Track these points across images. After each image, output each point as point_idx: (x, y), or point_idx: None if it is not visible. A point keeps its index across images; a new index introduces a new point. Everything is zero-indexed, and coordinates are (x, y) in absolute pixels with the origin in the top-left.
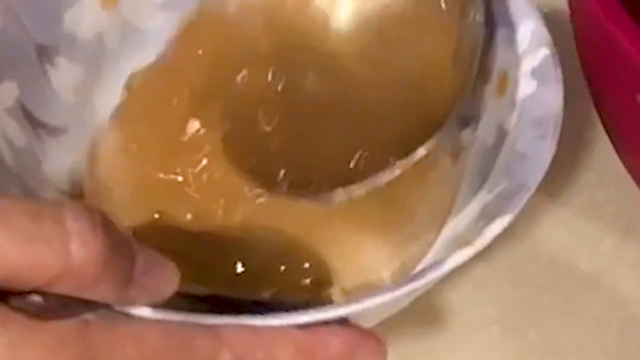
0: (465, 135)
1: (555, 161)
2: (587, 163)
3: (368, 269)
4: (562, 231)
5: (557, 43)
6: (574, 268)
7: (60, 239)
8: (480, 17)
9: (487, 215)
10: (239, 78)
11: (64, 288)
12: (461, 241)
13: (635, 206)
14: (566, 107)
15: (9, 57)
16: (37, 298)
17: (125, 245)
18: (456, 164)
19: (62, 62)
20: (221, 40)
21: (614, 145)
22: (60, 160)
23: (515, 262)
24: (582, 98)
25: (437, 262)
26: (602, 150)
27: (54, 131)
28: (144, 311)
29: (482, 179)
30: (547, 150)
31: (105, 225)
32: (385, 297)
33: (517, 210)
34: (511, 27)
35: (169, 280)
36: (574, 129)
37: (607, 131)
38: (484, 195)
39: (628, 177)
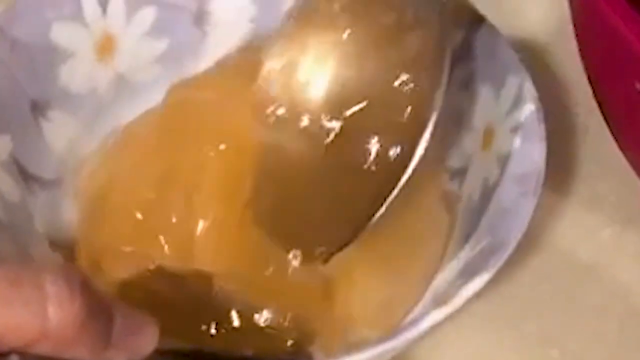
0: (453, 187)
1: (556, 152)
2: (588, 154)
3: (352, 327)
4: (562, 222)
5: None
6: (574, 258)
7: (38, 303)
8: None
9: (467, 273)
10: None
11: (42, 349)
12: (439, 299)
13: (636, 197)
14: (567, 97)
15: (3, 112)
16: (15, 358)
17: (103, 308)
18: (449, 216)
19: (56, 115)
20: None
21: (614, 136)
22: (53, 213)
23: (515, 252)
24: (581, 88)
25: (414, 322)
26: (603, 141)
27: (47, 184)
28: None
29: (467, 235)
30: (527, 208)
31: (83, 288)
32: (363, 356)
33: (495, 270)
34: (497, 82)
35: (148, 339)
36: (574, 120)
37: (607, 121)
38: (467, 252)
39: (629, 168)
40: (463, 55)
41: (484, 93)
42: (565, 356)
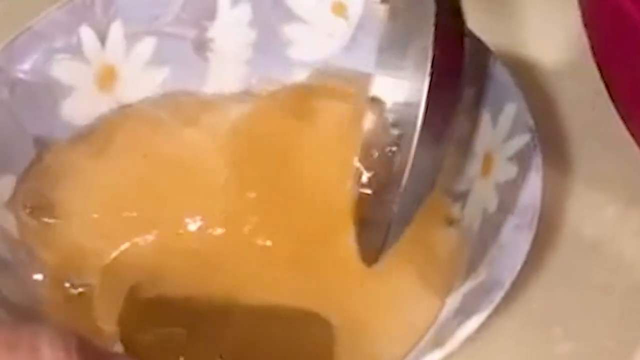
0: (455, 211)
1: (560, 129)
2: (592, 131)
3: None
4: (566, 198)
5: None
6: (577, 236)
7: None
8: None
9: (464, 310)
10: None
11: None
12: (436, 339)
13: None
14: (571, 74)
15: (6, 153)
16: None
17: None
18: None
19: (57, 145)
20: None
21: (619, 113)
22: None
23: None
24: (587, 65)
25: None
26: (608, 118)
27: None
28: None
29: (468, 268)
30: (523, 242)
31: (81, 349)
32: None
33: (490, 309)
34: (495, 108)
35: None
36: (579, 97)
37: (612, 98)
38: (467, 287)
39: (633, 144)
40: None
41: (483, 118)
42: (568, 333)
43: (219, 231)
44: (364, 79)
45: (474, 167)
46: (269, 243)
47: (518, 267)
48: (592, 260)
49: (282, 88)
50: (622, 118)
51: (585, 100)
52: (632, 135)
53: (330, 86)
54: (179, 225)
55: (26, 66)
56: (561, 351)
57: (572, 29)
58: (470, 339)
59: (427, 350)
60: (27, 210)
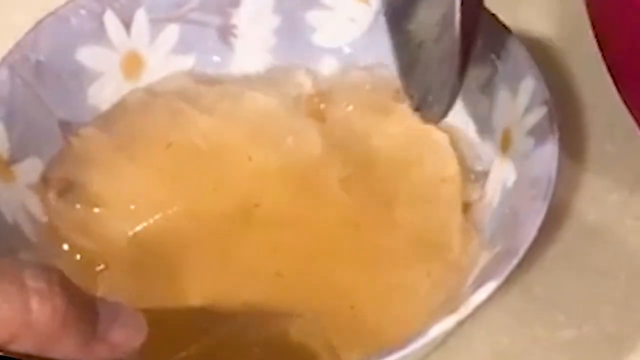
0: (474, 190)
1: (564, 114)
2: (596, 116)
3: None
4: (570, 183)
5: None
6: (581, 220)
7: (19, 296)
8: None
9: (480, 278)
10: None
11: (25, 345)
12: (448, 306)
13: None
14: (574, 60)
15: (33, 135)
16: None
17: (85, 302)
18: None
19: (85, 131)
20: None
21: (622, 98)
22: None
23: None
24: (590, 49)
25: (422, 331)
26: (611, 104)
27: None
28: None
29: (487, 241)
30: (538, 212)
31: (63, 283)
32: None
33: (503, 277)
34: (513, 85)
35: (135, 332)
36: (582, 82)
37: (615, 83)
38: (485, 258)
39: (637, 130)
40: (482, 58)
41: (501, 96)
42: (571, 320)
43: (236, 219)
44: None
45: (494, 144)
46: (281, 234)
47: (532, 236)
48: (596, 246)
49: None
50: (623, 99)
51: (590, 87)
52: (632, 113)
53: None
54: (198, 211)
55: (51, 51)
56: (564, 336)
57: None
58: (471, 324)
59: (441, 316)
60: (55, 193)
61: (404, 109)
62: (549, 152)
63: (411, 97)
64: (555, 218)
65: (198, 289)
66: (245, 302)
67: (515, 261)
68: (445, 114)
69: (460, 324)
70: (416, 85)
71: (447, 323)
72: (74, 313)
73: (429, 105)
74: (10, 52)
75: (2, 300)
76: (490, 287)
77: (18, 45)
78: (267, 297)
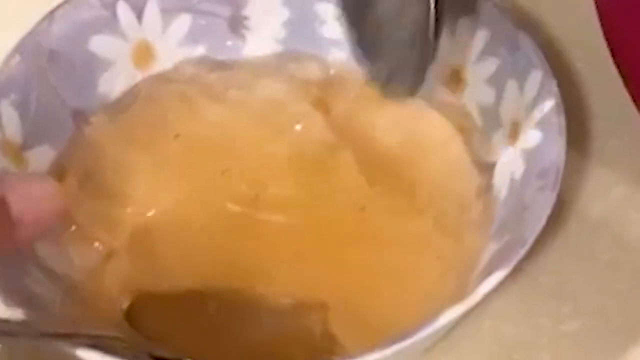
0: (483, 181)
1: (570, 108)
2: (601, 110)
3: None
4: (574, 177)
5: None
6: (586, 213)
7: None
8: None
9: (489, 268)
10: None
11: None
12: (457, 294)
13: None
14: (581, 54)
15: (45, 123)
16: None
17: None
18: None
19: (97, 119)
20: None
21: (629, 92)
22: None
23: None
24: (597, 43)
25: (430, 320)
26: (617, 98)
27: None
28: None
29: (495, 231)
30: (546, 202)
31: None
32: (385, 353)
33: (512, 266)
34: (521, 77)
35: (50, 202)
36: (588, 76)
37: (622, 77)
38: (493, 248)
39: None
40: (490, 51)
41: (509, 88)
42: (577, 311)
43: (245, 205)
44: None
45: (501, 136)
46: (286, 221)
47: (540, 226)
48: (601, 239)
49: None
50: (630, 93)
51: (595, 80)
52: (638, 108)
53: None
54: (207, 198)
55: (64, 39)
56: (569, 328)
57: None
58: (477, 315)
59: (450, 304)
60: (68, 181)
61: (411, 99)
62: (557, 144)
63: (376, 77)
64: (560, 211)
65: (209, 276)
66: (258, 287)
67: (523, 251)
68: (413, 92)
69: (467, 313)
70: (381, 65)
71: (455, 312)
72: None
73: (396, 84)
74: (24, 40)
75: None
76: (498, 276)
77: (31, 33)
78: (279, 282)
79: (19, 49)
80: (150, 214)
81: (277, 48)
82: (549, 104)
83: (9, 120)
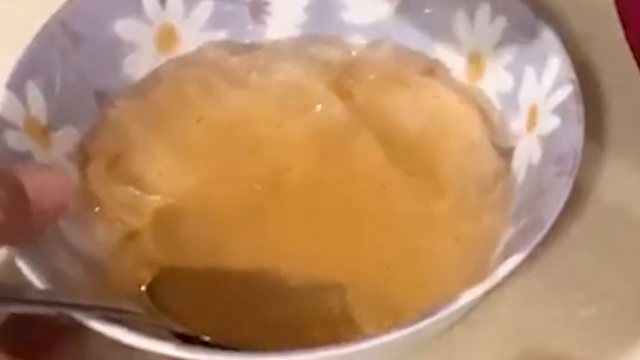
0: (502, 164)
1: (586, 97)
2: (616, 99)
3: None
4: (590, 165)
5: None
6: (601, 200)
7: None
8: None
9: (507, 251)
10: None
11: None
12: (475, 277)
13: None
14: (597, 43)
15: (70, 105)
16: None
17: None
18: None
19: (120, 102)
20: None
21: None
22: None
23: None
24: (614, 33)
25: (449, 300)
26: (633, 87)
27: None
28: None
29: (513, 214)
30: (564, 187)
31: None
32: (403, 332)
33: (530, 248)
34: (539, 63)
35: (62, 190)
36: (604, 65)
37: (632, 50)
38: (510, 231)
39: None
40: (508, 38)
41: (527, 74)
42: (590, 298)
43: (268, 185)
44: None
45: (519, 122)
46: (307, 202)
47: (558, 210)
48: (616, 226)
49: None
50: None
51: (612, 70)
52: None
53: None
54: (230, 179)
55: (89, 22)
56: (583, 315)
57: None
58: (493, 301)
59: (465, 287)
60: (94, 163)
61: (431, 83)
62: (574, 130)
63: None
64: (576, 199)
65: (231, 256)
66: (280, 267)
67: (541, 234)
68: None
69: (482, 298)
70: None
71: (474, 293)
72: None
73: None
74: (49, 23)
75: None
76: (517, 259)
77: (56, 16)
78: (300, 262)
79: (44, 31)
80: (173, 195)
81: (298, 32)
82: (567, 90)
83: (34, 101)
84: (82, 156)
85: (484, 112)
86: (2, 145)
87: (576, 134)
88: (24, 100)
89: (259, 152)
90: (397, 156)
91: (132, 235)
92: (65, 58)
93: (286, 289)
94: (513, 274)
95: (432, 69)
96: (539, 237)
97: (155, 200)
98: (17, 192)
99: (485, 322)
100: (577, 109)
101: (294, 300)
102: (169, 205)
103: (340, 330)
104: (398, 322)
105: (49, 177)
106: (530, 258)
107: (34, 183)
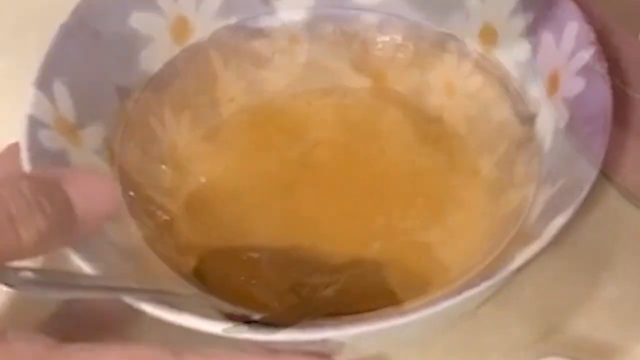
0: (524, 132)
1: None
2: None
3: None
4: (613, 150)
5: None
6: (624, 182)
7: None
8: None
9: (549, 212)
10: None
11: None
12: (525, 238)
13: None
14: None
15: (94, 101)
16: (28, 274)
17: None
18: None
19: (144, 95)
20: None
21: None
22: None
23: None
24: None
25: (506, 260)
26: None
27: None
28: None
29: (545, 177)
30: (599, 146)
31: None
32: (465, 296)
33: (575, 206)
34: (557, 28)
35: (108, 197)
36: (625, 47)
37: None
38: (546, 194)
39: None
40: (523, 5)
41: (545, 39)
42: (615, 278)
43: (293, 165)
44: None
45: (540, 88)
46: (336, 179)
47: (596, 170)
48: (627, 207)
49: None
50: None
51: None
52: None
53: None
54: (256, 163)
55: (106, 17)
56: (607, 295)
57: None
58: (518, 282)
59: (514, 249)
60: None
61: (446, 57)
62: (601, 89)
63: None
64: (600, 180)
65: (267, 235)
66: (313, 243)
67: (584, 193)
68: None
69: (509, 279)
70: None
71: (527, 254)
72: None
73: None
74: (68, 21)
75: None
76: (563, 218)
77: (75, 13)
78: (334, 239)
79: (65, 29)
80: (206, 175)
81: (308, 15)
82: (589, 52)
83: (62, 99)
84: (109, 151)
85: (502, 81)
86: (38, 146)
87: (604, 92)
88: (52, 99)
89: (289, 130)
90: (423, 132)
91: (167, 221)
92: (87, 55)
93: (325, 266)
94: (555, 240)
95: (445, 43)
96: (582, 195)
97: (189, 181)
98: (61, 200)
99: (511, 303)
100: (602, 68)
101: (333, 276)
102: (202, 186)
103: (381, 304)
104: (433, 296)
105: (94, 184)
106: (555, 240)
107: (80, 191)
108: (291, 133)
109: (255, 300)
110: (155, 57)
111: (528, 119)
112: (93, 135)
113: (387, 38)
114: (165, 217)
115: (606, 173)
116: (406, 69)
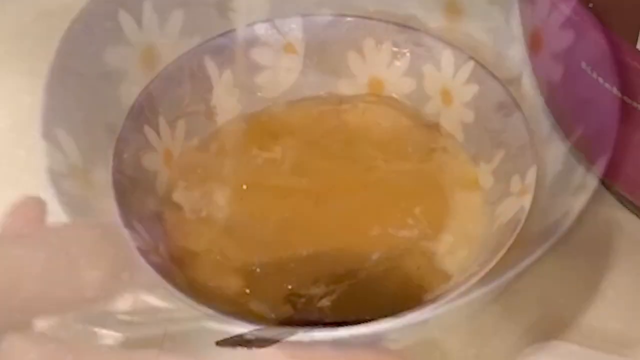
0: (509, 95)
1: None
2: None
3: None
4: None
5: None
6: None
7: None
8: None
9: (570, 163)
10: None
11: None
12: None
13: None
14: None
15: (94, 145)
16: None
17: None
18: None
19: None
20: None
21: None
22: None
23: None
24: None
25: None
26: None
27: None
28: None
29: (549, 131)
30: (608, 94)
31: None
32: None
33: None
34: None
35: None
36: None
37: None
38: (559, 146)
39: None
40: None
41: (517, 4)
42: (626, 270)
43: (291, 175)
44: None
45: (521, 49)
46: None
47: (596, 179)
48: None
49: None
50: None
51: None
52: None
53: None
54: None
55: (85, 57)
56: (619, 283)
57: None
58: (527, 278)
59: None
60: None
61: (412, 38)
62: (593, 38)
63: None
64: (611, 168)
65: (261, 245)
66: (309, 253)
67: (581, 205)
68: None
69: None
70: None
71: (526, 262)
72: None
73: None
74: (53, 67)
75: None
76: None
77: (58, 54)
78: (330, 246)
79: (53, 72)
80: (198, 188)
81: (303, 23)
82: (569, 6)
83: (68, 146)
84: (120, 190)
85: (475, 49)
86: (66, 197)
87: (598, 40)
88: (60, 148)
89: (284, 138)
90: (421, 122)
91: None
92: (76, 98)
93: (322, 276)
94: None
95: (407, 26)
96: (581, 205)
97: (182, 190)
98: None
99: (519, 297)
100: (589, 18)
101: (330, 286)
102: (196, 196)
103: (379, 314)
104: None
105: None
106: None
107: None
108: (286, 141)
109: (250, 311)
110: (132, 91)
111: (512, 81)
112: (101, 177)
113: (344, 33)
114: (159, 227)
115: (604, 180)
116: (402, 76)
